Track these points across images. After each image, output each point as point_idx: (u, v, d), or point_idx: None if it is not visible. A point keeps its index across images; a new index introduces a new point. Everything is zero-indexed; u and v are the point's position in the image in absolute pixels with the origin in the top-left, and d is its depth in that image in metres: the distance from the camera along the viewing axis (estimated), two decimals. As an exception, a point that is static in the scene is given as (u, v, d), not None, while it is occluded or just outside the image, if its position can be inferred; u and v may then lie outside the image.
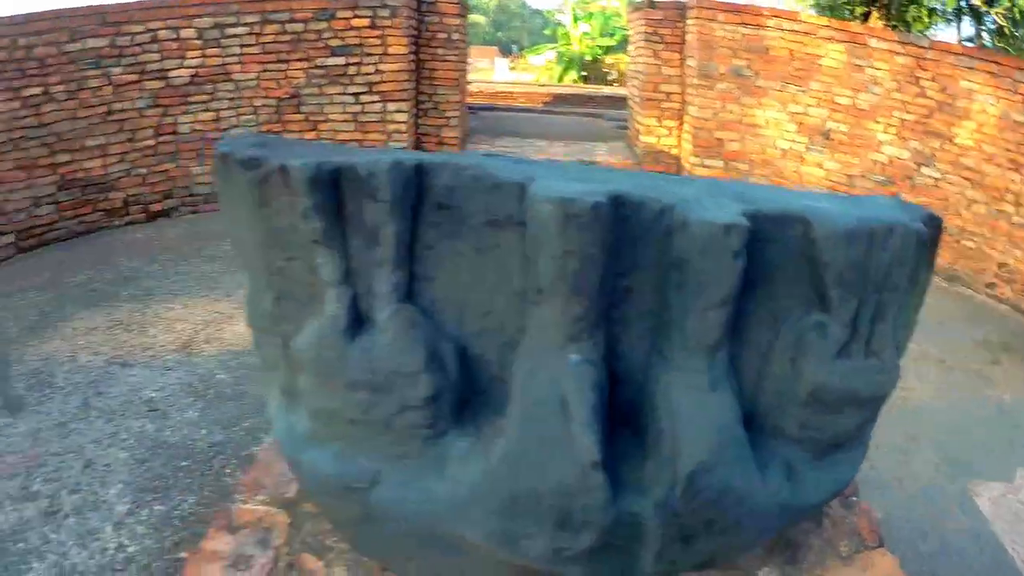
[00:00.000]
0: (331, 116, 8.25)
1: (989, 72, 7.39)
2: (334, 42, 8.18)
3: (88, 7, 7.75)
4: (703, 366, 2.00)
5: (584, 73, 27.66)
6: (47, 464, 4.18)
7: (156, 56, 7.85)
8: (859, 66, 8.26)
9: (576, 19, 28.86)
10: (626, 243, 1.96)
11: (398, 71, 8.32)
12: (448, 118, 9.02)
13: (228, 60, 8.01)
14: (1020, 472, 4.82)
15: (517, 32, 65.58)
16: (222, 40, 7.97)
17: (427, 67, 8.90)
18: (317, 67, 8.17)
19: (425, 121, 8.90)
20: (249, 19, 8.01)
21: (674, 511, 1.98)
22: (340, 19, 8.17)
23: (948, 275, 7.83)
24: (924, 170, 7.97)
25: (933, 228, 2.21)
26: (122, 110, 7.81)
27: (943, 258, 7.57)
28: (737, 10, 8.72)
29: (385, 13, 8.18)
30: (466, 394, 2.13)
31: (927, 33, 15.58)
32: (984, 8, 15.39)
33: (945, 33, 19.91)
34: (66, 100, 7.55)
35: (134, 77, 7.81)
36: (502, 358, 2.09)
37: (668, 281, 1.99)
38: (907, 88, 8.00)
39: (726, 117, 8.97)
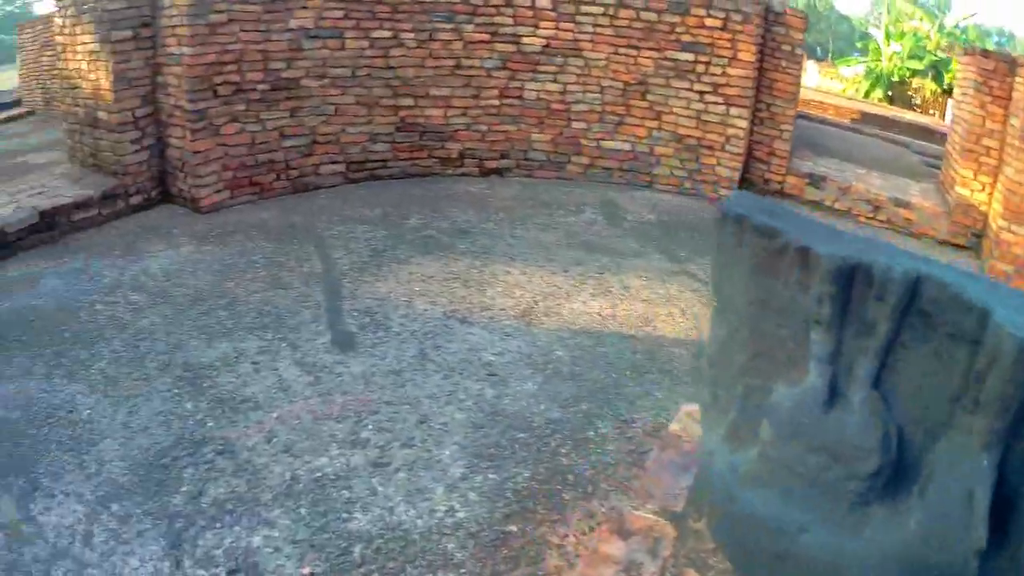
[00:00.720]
0: (675, 109, 8.23)
1: None
2: (685, 37, 8.14)
3: None
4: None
5: (889, 93, 26.61)
6: (379, 412, 4.25)
7: (510, 21, 8.04)
8: None
9: (888, 37, 27.71)
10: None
11: (743, 77, 8.20)
12: (781, 130, 8.84)
13: (580, 36, 8.12)
14: None
15: (824, 35, 63.67)
16: (576, 16, 8.08)
17: (768, 77, 8.73)
18: (667, 59, 8.17)
19: (759, 130, 8.75)
20: (605, 0, 8.11)
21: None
22: (694, 16, 8.11)
23: None
24: None
25: None
26: (470, 67, 8.08)
27: None
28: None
29: (738, 18, 8.06)
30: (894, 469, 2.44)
31: None
32: None
33: None
34: (415, 48, 7.89)
35: (485, 37, 8.05)
36: (924, 443, 2.38)
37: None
38: None
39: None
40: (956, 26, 29.51)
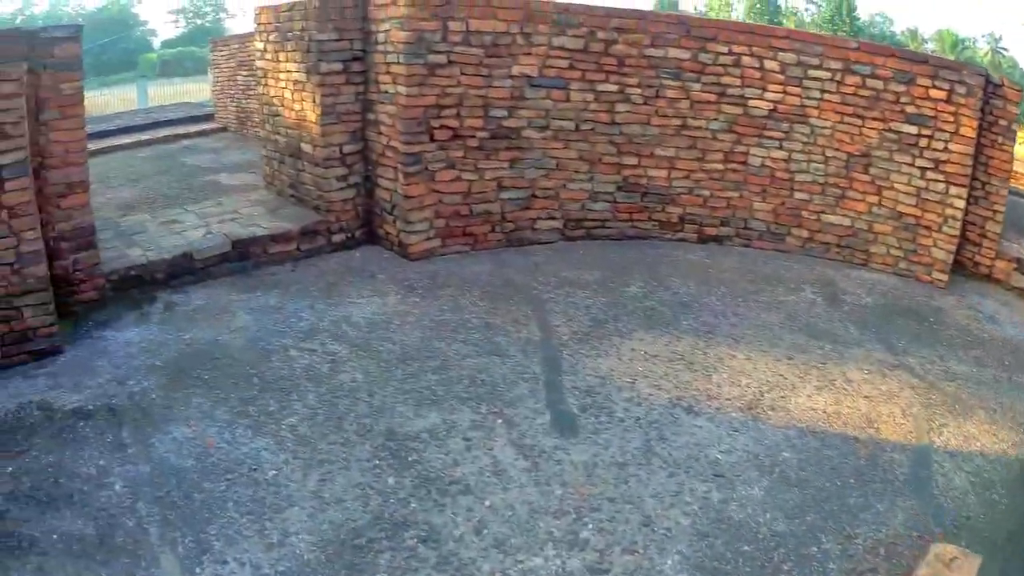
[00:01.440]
0: (896, 185, 7.67)
1: None
2: (910, 109, 7.60)
3: (673, 15, 7.67)
4: None
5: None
6: (600, 510, 3.92)
7: (737, 81, 7.62)
8: None
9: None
10: None
11: (964, 154, 7.61)
12: (995, 211, 8.24)
13: (808, 102, 7.65)
14: None
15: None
16: (804, 80, 7.62)
17: (984, 153, 8.16)
18: (890, 130, 7.64)
19: (973, 209, 8.17)
20: (833, 65, 7.59)
21: None
22: (919, 86, 7.57)
23: None
24: None
25: None
26: (696, 127, 7.67)
27: None
28: None
29: (962, 90, 7.50)
30: None
31: None
32: None
33: None
34: (641, 104, 7.53)
35: (712, 97, 7.65)
36: None
37: None
38: None
39: None
40: None
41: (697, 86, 7.58)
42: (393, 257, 7.16)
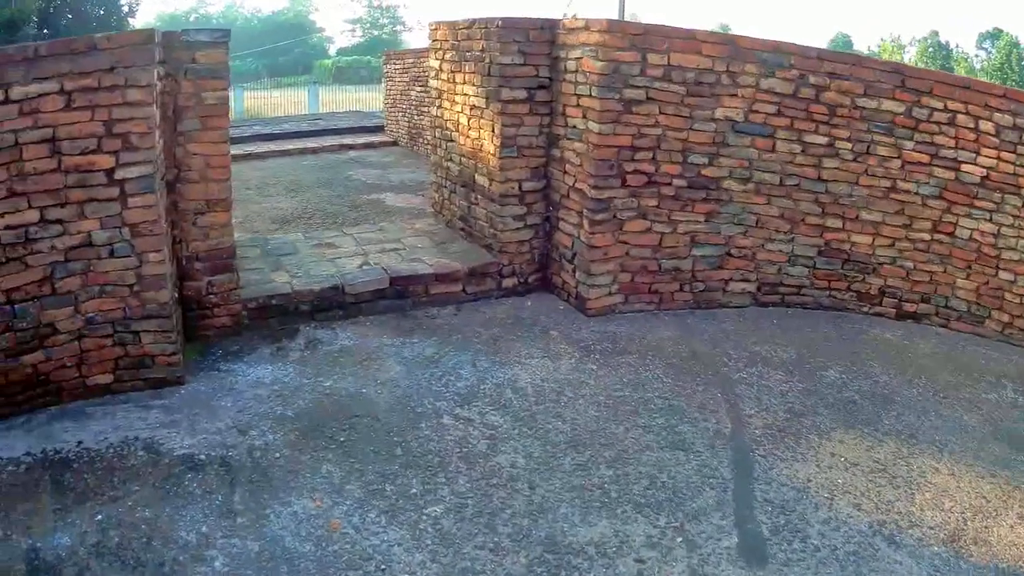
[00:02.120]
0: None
1: None
2: None
3: (889, 62, 6.68)
4: None
5: None
6: None
7: (951, 141, 6.57)
8: None
9: None
10: None
11: None
12: None
13: (1021, 171, 6.58)
14: None
15: None
16: (1019, 146, 6.52)
17: None
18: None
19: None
20: (1052, 129, 6.54)
21: None
22: None
23: None
24: None
25: None
26: (905, 191, 6.68)
27: None
28: None
29: None
30: None
31: None
32: None
33: None
34: (851, 161, 6.58)
35: (925, 159, 6.62)
36: None
37: None
38: None
39: None
40: None
41: (910, 144, 6.57)
42: (568, 310, 6.49)
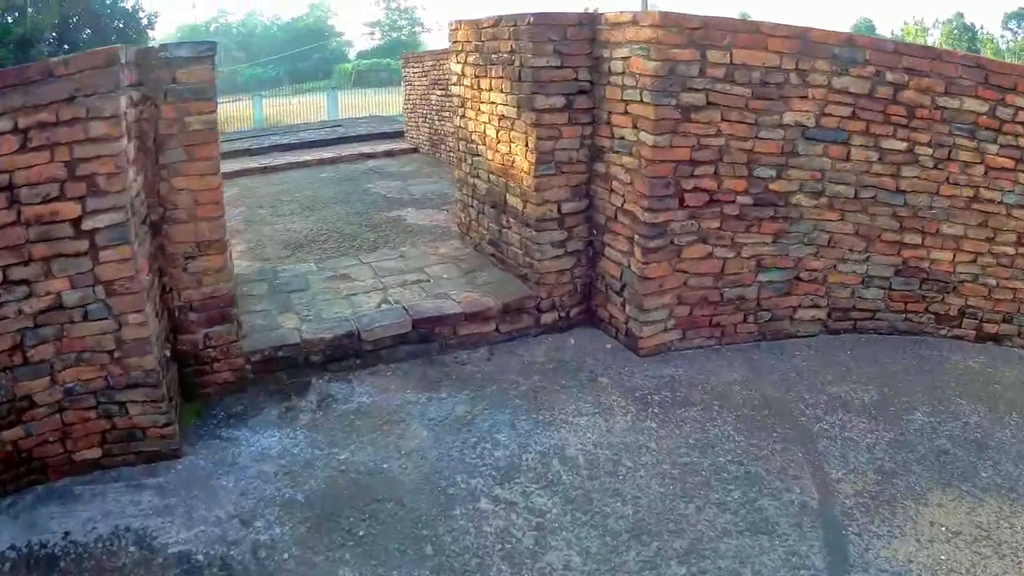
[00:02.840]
0: None
1: None
2: None
3: (971, 56, 5.79)
4: None
5: None
6: None
7: (1037, 140, 5.79)
8: None
9: None
10: None
11: None
12: None
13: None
14: None
15: None
16: None
17: None
18: None
19: None
20: None
21: None
22: None
23: None
24: None
25: None
26: (989, 200, 5.83)
27: None
28: None
29: None
30: None
31: None
32: None
33: None
34: (931, 168, 5.73)
35: (1009, 163, 5.75)
36: None
37: None
38: None
39: None
40: None
41: (994, 148, 5.71)
42: (617, 349, 5.69)
